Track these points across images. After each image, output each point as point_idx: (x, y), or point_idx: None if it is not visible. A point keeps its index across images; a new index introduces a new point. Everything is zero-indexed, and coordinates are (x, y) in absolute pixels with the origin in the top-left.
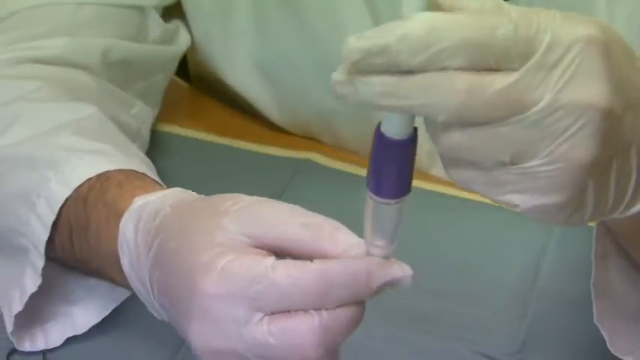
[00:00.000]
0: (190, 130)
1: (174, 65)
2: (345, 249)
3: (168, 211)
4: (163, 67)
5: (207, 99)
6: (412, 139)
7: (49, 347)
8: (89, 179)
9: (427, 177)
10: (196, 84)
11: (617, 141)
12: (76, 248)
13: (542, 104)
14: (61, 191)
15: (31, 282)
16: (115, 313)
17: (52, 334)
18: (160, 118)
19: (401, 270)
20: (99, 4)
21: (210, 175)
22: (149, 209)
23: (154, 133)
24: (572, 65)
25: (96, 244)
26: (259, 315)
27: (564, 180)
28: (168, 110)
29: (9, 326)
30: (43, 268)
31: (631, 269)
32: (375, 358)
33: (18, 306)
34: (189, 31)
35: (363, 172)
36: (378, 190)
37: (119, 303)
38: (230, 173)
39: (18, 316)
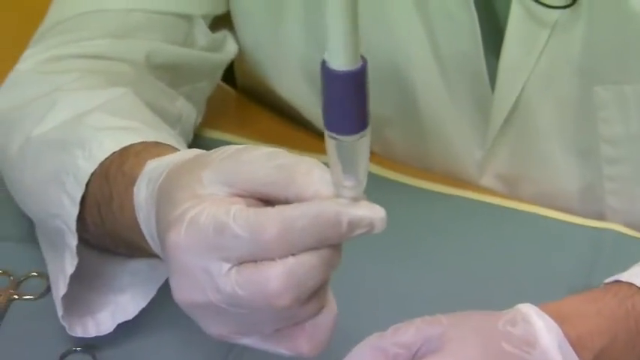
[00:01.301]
0: (237, 137)
1: (220, 73)
2: (316, 190)
3: (169, 169)
4: (208, 74)
5: (255, 106)
6: (361, 70)
7: (101, 334)
8: (113, 153)
9: (477, 187)
10: (243, 93)
11: None
12: (106, 223)
13: None
14: (87, 167)
15: (69, 263)
16: (167, 312)
17: (103, 323)
18: (206, 125)
19: (370, 210)
20: (147, 11)
21: None
22: (159, 170)
23: (201, 139)
24: None
25: (121, 216)
26: (227, 266)
27: None
28: (215, 117)
29: (59, 310)
30: (88, 256)
31: None
32: None
33: (62, 289)
34: (238, 41)
35: (413, 181)
36: (334, 126)
37: (163, 281)
38: None
39: (66, 301)
